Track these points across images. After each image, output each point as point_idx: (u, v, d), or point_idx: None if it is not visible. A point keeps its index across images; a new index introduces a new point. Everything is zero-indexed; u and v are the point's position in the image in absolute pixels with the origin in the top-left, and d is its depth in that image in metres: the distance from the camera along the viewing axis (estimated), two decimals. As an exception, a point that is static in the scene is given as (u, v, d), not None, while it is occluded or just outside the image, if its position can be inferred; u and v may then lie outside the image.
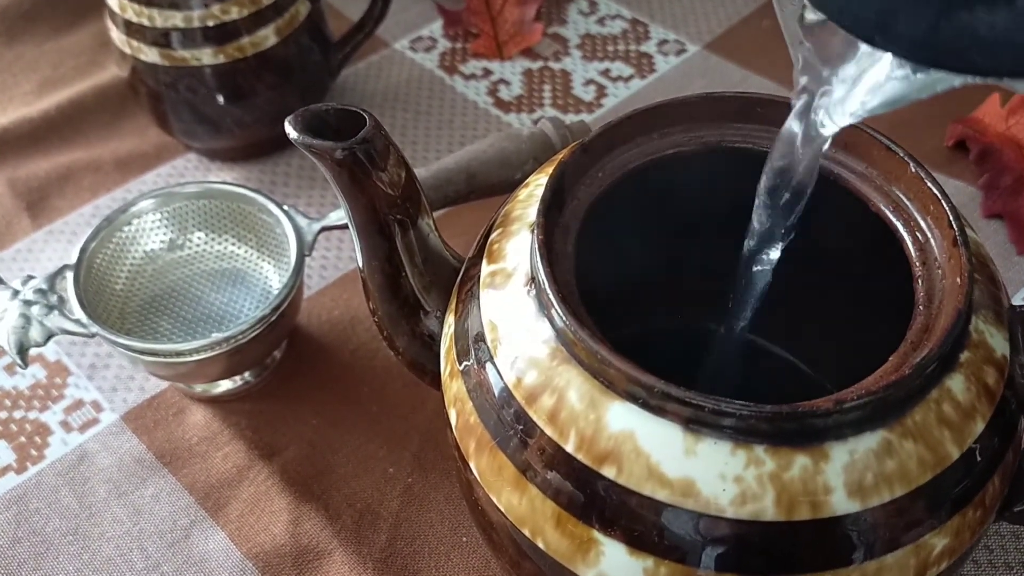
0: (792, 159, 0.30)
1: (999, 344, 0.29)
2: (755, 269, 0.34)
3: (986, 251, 0.33)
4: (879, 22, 0.20)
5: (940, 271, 0.30)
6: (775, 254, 0.33)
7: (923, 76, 0.23)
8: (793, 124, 0.30)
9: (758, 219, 0.33)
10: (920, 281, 0.30)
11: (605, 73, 0.64)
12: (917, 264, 0.30)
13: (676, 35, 0.66)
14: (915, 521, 0.27)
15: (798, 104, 0.29)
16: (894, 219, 0.32)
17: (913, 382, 0.27)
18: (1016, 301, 0.50)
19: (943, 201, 0.30)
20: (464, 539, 0.42)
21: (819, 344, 0.40)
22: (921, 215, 0.31)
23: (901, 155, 0.32)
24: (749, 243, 0.33)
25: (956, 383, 0.28)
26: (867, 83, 0.26)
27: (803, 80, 0.28)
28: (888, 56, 0.23)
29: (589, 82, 0.63)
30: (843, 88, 0.26)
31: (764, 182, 0.32)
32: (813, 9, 0.23)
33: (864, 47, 0.24)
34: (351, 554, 0.42)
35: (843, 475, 0.26)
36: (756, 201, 0.32)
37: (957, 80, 0.22)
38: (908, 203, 0.32)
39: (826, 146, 0.29)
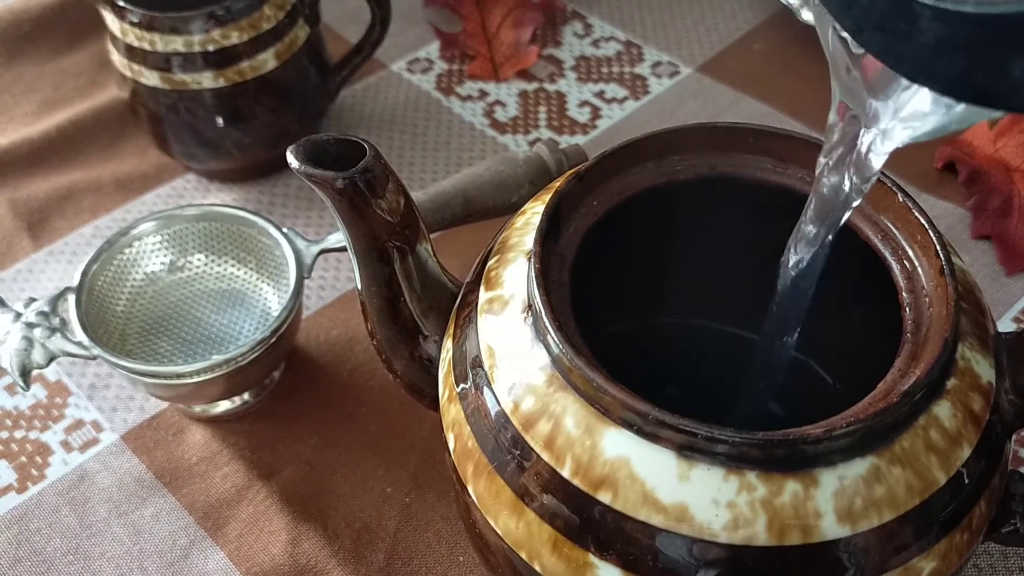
0: (838, 189, 0.31)
1: (985, 371, 0.30)
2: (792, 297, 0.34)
3: (973, 278, 0.33)
4: (919, 61, 0.22)
5: (927, 299, 0.31)
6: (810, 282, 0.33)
7: (963, 109, 0.24)
8: (837, 153, 0.30)
9: (801, 248, 0.33)
10: (908, 309, 0.31)
11: (600, 95, 0.65)
12: (905, 292, 0.31)
13: (669, 57, 0.67)
14: (903, 545, 0.28)
15: (836, 133, 0.30)
16: (882, 247, 0.32)
17: (901, 409, 0.27)
18: (1005, 322, 0.51)
19: (930, 231, 0.31)
20: (461, 559, 0.43)
21: (813, 372, 0.41)
22: (908, 244, 0.32)
23: (889, 184, 0.33)
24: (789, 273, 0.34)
25: (943, 410, 0.28)
26: (911, 112, 0.26)
27: (838, 115, 0.29)
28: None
29: (584, 103, 0.64)
30: (888, 116, 0.27)
31: (811, 213, 0.32)
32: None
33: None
34: (349, 574, 0.42)
35: (833, 500, 0.27)
36: (799, 234, 0.32)
37: (997, 113, 0.23)
38: (896, 232, 0.32)
39: (875, 174, 0.30)
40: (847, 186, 0.30)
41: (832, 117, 0.29)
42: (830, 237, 0.32)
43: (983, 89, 0.21)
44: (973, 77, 0.21)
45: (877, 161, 0.29)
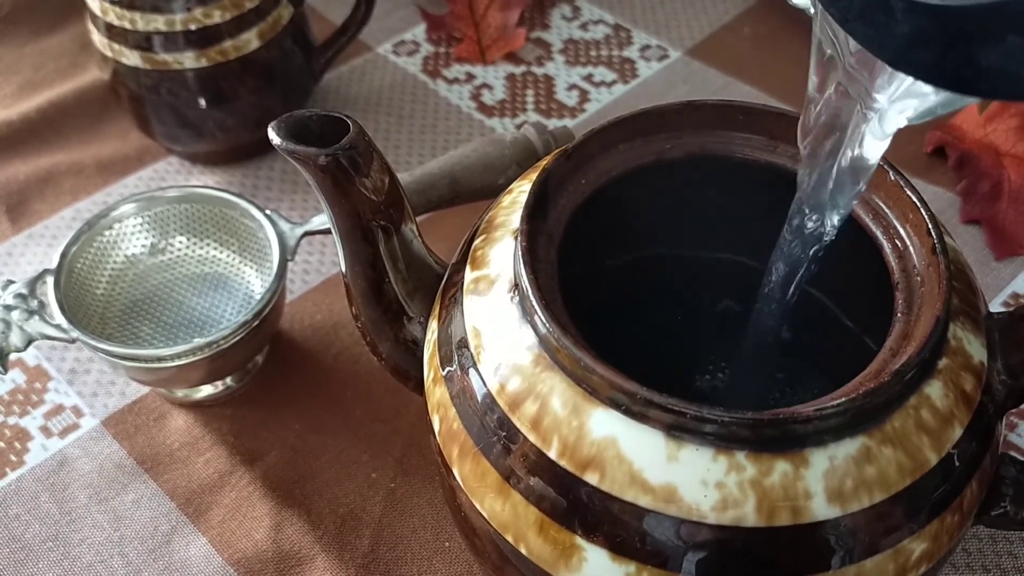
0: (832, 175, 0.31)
1: (976, 351, 0.30)
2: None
3: (964, 258, 0.33)
4: (898, 49, 0.23)
5: (919, 279, 0.30)
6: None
7: (945, 95, 0.25)
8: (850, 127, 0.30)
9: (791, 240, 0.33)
10: (899, 288, 0.30)
11: (588, 78, 0.64)
12: (896, 271, 0.31)
13: (659, 40, 0.67)
14: (894, 526, 0.27)
15: (819, 107, 0.30)
16: (873, 227, 0.32)
17: (892, 389, 0.27)
18: (994, 306, 0.50)
19: (922, 209, 0.31)
20: (447, 544, 0.42)
21: (805, 347, 0.40)
22: (900, 223, 0.32)
23: (881, 163, 0.32)
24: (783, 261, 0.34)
25: (934, 389, 0.28)
26: (905, 96, 0.27)
27: (818, 90, 0.29)
28: None
29: (572, 87, 0.64)
30: (885, 99, 0.28)
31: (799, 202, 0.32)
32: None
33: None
34: (333, 560, 0.42)
35: (823, 481, 0.26)
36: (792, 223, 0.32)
37: (972, 99, 0.24)
38: (887, 211, 0.32)
39: (883, 151, 0.30)
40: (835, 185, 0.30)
41: (812, 91, 0.29)
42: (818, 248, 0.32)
43: (957, 77, 0.22)
44: (946, 66, 0.22)
45: (876, 148, 0.29)
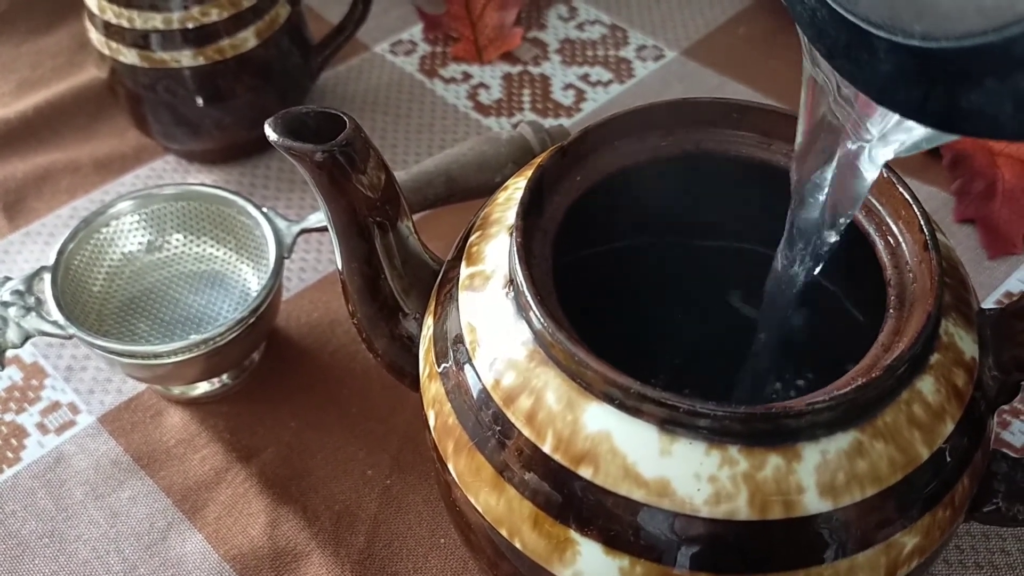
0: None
1: (968, 346, 0.30)
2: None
3: (956, 255, 0.33)
4: (882, 87, 0.23)
5: (911, 274, 0.30)
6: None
7: (929, 131, 0.26)
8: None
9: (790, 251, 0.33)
10: (891, 284, 0.31)
11: (584, 78, 0.64)
12: (888, 268, 0.31)
13: (655, 41, 0.67)
14: (886, 520, 0.28)
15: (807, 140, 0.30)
16: (866, 223, 0.32)
17: (884, 383, 0.27)
18: (988, 305, 0.51)
19: (914, 205, 0.31)
20: (443, 541, 0.42)
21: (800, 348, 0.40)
22: (893, 219, 0.32)
23: (873, 161, 0.32)
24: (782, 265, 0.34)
25: (926, 385, 0.28)
26: (895, 130, 0.28)
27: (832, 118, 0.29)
28: None
29: (568, 87, 0.64)
30: (877, 131, 0.28)
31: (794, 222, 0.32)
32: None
33: None
34: (329, 556, 0.42)
35: (815, 475, 0.27)
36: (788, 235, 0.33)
37: (955, 136, 0.24)
38: (880, 207, 0.32)
39: (871, 181, 0.30)
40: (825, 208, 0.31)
41: (801, 127, 0.30)
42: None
43: (939, 116, 0.22)
44: (930, 105, 0.22)
45: (867, 178, 0.29)
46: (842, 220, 0.31)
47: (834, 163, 0.30)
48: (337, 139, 0.31)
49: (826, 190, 0.31)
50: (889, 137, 0.28)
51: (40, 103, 0.62)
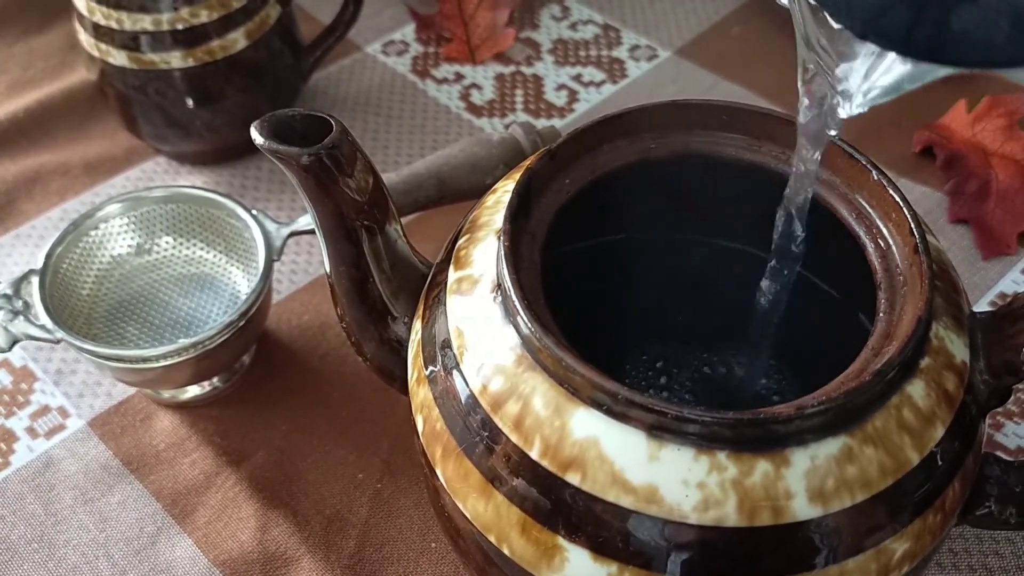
0: (811, 159, 0.31)
1: (959, 350, 0.30)
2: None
3: (947, 258, 0.33)
4: (869, 19, 0.22)
5: (901, 278, 0.30)
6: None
7: (912, 67, 0.25)
8: (810, 123, 0.30)
9: (784, 233, 0.33)
10: (882, 287, 0.30)
11: (577, 78, 0.64)
12: (879, 271, 0.31)
13: (648, 40, 0.67)
14: (876, 526, 0.27)
15: (806, 102, 0.30)
16: (856, 226, 0.32)
17: (874, 388, 0.27)
18: (982, 306, 0.50)
19: (904, 208, 0.31)
20: (433, 545, 0.42)
21: (787, 348, 0.40)
22: (883, 222, 0.32)
23: (863, 163, 0.32)
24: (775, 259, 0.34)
25: (916, 389, 0.28)
26: (876, 74, 0.27)
27: (813, 76, 0.29)
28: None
29: (561, 87, 0.64)
30: (856, 79, 0.27)
31: (789, 192, 0.32)
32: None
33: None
34: (319, 561, 0.42)
35: (804, 481, 0.26)
36: (782, 214, 0.33)
37: (942, 71, 0.23)
38: (870, 210, 0.32)
39: (833, 134, 0.30)
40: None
41: (801, 87, 0.29)
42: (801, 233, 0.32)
43: (928, 43, 0.21)
44: (918, 31, 0.21)
45: (838, 122, 0.29)
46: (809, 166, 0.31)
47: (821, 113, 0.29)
48: (324, 142, 0.31)
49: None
50: (866, 86, 0.27)
51: (31, 104, 0.61)
